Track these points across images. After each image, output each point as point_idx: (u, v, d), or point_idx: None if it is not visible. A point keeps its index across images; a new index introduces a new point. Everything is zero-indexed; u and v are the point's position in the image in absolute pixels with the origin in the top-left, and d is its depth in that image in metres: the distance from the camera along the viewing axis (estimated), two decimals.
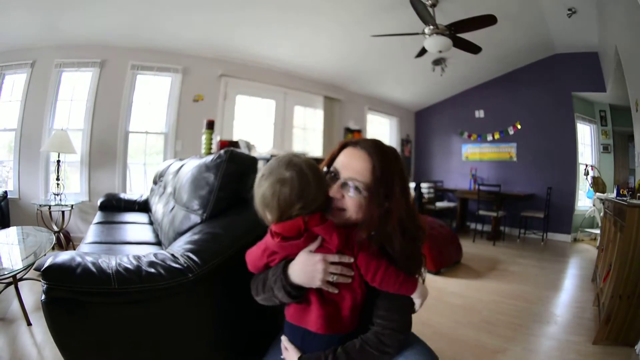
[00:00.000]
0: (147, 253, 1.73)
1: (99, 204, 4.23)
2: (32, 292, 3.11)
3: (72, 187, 5.27)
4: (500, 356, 2.63)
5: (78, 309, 1.43)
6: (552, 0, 5.33)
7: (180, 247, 1.79)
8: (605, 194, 5.44)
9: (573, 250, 6.58)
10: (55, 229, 4.63)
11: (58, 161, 4.71)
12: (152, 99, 5.72)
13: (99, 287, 1.42)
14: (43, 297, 1.36)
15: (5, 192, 4.69)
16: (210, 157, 2.10)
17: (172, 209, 2.50)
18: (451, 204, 8.27)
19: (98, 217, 3.70)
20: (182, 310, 1.67)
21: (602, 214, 5.32)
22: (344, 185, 1.24)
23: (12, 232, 3.13)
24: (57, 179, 4.71)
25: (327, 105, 7.58)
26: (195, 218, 2.06)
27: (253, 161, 2.16)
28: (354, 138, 1.44)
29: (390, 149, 1.33)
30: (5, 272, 2.17)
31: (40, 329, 2.46)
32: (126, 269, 1.53)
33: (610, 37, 4.90)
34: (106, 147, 5.27)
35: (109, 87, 5.24)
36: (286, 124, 7.14)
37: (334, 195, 1.23)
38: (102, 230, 3.06)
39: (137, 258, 1.64)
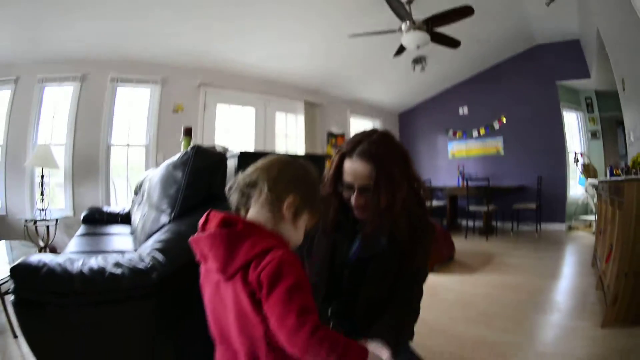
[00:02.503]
0: (117, 255, 1.67)
1: (82, 217, 4.19)
2: None
3: (58, 202, 5.22)
4: (502, 349, 2.51)
5: (44, 311, 1.40)
6: None
7: (147, 247, 1.74)
8: (597, 179, 5.41)
9: (569, 239, 6.52)
10: (42, 244, 4.57)
11: (42, 176, 4.67)
12: (133, 111, 5.68)
13: (61, 287, 1.39)
14: (12, 297, 1.36)
15: None
16: (178, 155, 2.04)
17: (146, 213, 2.44)
18: (440, 202, 8.24)
19: (81, 229, 3.67)
20: (146, 316, 1.60)
21: (595, 199, 5.26)
22: (361, 191, 1.33)
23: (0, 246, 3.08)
24: (42, 194, 4.66)
25: (308, 110, 7.53)
26: (164, 218, 2.00)
27: (221, 157, 2.12)
28: (347, 145, 1.43)
29: (382, 141, 1.39)
30: None
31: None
32: (90, 269, 1.49)
33: (591, 20, 4.91)
34: (89, 161, 5.22)
35: (89, 100, 5.21)
36: (267, 130, 7.07)
37: (358, 202, 1.34)
38: (83, 242, 3.01)
39: (104, 259, 1.59)
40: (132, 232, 3.37)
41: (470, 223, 7.38)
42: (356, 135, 1.44)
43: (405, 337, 1.47)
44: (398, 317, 1.36)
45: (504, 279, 4.30)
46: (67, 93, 5.19)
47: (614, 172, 3.93)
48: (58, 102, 5.20)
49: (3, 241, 3.23)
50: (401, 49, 5.48)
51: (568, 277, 4.49)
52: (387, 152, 1.36)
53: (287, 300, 0.85)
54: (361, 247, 1.44)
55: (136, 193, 4.02)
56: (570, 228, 7.24)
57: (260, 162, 1.06)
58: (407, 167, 1.39)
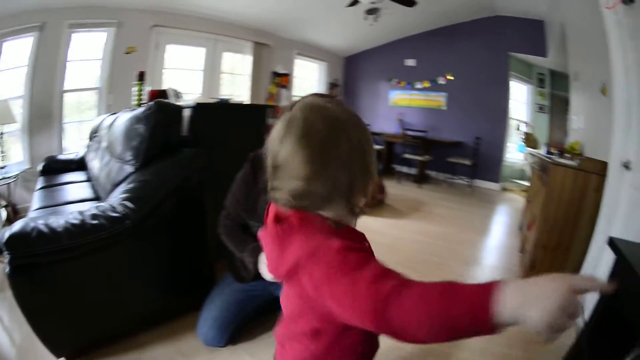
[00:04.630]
0: (90, 207, 1.88)
1: (39, 169, 4.17)
2: None
3: (15, 157, 5.02)
4: None
5: (37, 273, 1.59)
6: None
7: (117, 197, 1.98)
8: (537, 150, 5.70)
9: (501, 199, 6.79)
10: (3, 203, 4.41)
11: (1, 133, 4.49)
12: (87, 55, 5.51)
13: (52, 245, 1.58)
14: (7, 269, 1.51)
15: None
16: (141, 109, 2.29)
17: (108, 162, 2.57)
18: (377, 147, 8.44)
19: (40, 182, 3.66)
20: (125, 257, 1.87)
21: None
22: None
23: None
24: (1, 152, 4.49)
25: (256, 50, 7.59)
26: (128, 168, 2.25)
27: (179, 110, 2.37)
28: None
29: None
30: None
31: (4, 311, 2.33)
32: (73, 224, 1.69)
33: (559, 9, 5.06)
34: (44, 110, 5.08)
35: (47, 49, 5.00)
36: (215, 70, 7.09)
37: None
38: (45, 195, 3.08)
39: (81, 213, 1.80)
40: (90, 179, 3.45)
41: (406, 169, 7.78)
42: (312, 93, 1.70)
43: None
44: None
45: (432, 228, 4.52)
46: (26, 44, 4.91)
47: (550, 150, 4.19)
48: (17, 54, 4.90)
49: None
50: (355, 2, 5.56)
51: (495, 235, 4.69)
52: None
53: None
54: None
55: (91, 139, 4.04)
56: (504, 189, 7.59)
57: None
58: None
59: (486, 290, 0.56)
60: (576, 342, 1.50)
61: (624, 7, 2.31)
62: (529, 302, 0.52)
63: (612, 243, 1.32)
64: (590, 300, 1.61)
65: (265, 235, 0.85)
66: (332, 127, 0.79)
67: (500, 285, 0.55)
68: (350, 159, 0.79)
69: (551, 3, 5.54)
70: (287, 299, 0.90)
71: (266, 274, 1.65)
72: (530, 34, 6.80)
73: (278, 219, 0.83)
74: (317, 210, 0.82)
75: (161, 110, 2.19)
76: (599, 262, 2.45)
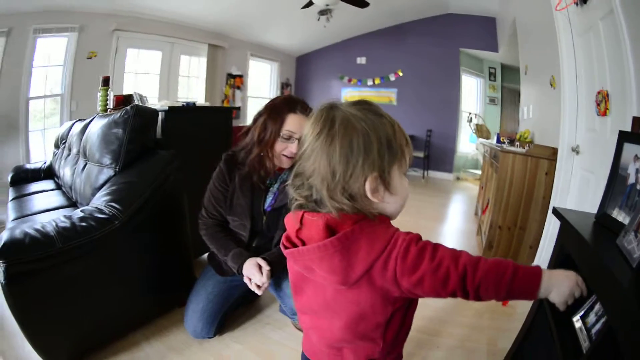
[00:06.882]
0: (75, 211, 1.90)
1: (9, 179, 4.06)
2: None
3: None
4: None
5: (32, 280, 1.57)
6: None
7: (101, 199, 2.01)
8: (489, 140, 5.95)
9: (456, 188, 7.06)
10: None
11: None
12: (48, 62, 5.48)
13: (46, 250, 1.57)
14: (2, 278, 1.47)
15: None
16: (117, 114, 2.35)
17: (84, 167, 2.61)
18: None
19: (11, 193, 3.59)
20: (113, 258, 1.91)
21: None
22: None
23: None
24: None
25: (211, 52, 7.70)
26: (108, 171, 2.29)
27: (155, 113, 2.46)
28: (286, 105, 1.81)
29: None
30: None
31: None
32: (64, 227, 1.70)
33: (510, 7, 5.32)
34: (9, 119, 5.04)
35: (13, 55, 4.97)
36: (172, 73, 7.16)
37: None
38: (20, 206, 3.03)
39: (69, 217, 1.81)
40: (61, 187, 3.47)
41: None
42: (289, 97, 1.89)
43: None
44: None
45: None
46: None
47: (501, 139, 4.39)
48: None
49: None
50: (310, 3, 5.68)
51: (452, 221, 4.89)
52: None
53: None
54: (275, 199, 1.93)
55: (57, 146, 4.00)
56: (458, 178, 7.93)
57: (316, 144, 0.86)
58: None
59: (536, 276, 0.81)
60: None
61: (574, 7, 2.53)
62: (554, 286, 0.80)
63: (556, 211, 1.52)
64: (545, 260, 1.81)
65: (314, 250, 0.83)
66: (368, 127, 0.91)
67: (541, 273, 0.81)
68: (379, 152, 0.87)
69: (502, 1, 5.77)
70: (351, 304, 0.88)
71: (255, 289, 1.77)
72: (482, 30, 7.07)
73: (331, 229, 0.84)
74: (370, 208, 0.87)
75: (139, 114, 2.27)
76: (554, 237, 2.64)
